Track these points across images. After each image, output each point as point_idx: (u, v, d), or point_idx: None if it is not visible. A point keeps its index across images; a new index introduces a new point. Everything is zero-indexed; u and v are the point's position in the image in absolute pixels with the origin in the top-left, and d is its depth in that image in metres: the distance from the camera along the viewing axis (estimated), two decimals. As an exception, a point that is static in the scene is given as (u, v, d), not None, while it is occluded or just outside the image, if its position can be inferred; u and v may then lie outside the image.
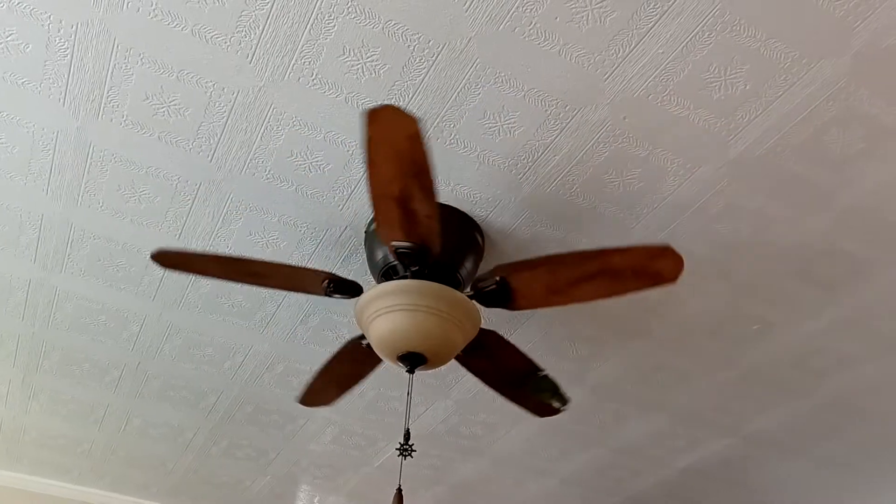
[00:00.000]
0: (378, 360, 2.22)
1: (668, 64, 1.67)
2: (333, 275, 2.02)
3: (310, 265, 2.28)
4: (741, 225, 2.07)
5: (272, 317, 2.51)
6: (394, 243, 1.86)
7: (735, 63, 1.66)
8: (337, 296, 2.04)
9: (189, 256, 2.03)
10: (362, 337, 2.14)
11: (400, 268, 2.01)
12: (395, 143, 1.59)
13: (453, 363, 2.70)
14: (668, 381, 2.71)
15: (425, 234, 1.82)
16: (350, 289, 2.04)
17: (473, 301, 2.01)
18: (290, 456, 3.34)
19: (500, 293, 1.99)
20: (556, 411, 2.37)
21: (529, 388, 2.26)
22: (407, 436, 1.94)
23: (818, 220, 2.04)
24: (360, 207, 2.08)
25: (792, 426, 2.92)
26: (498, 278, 1.96)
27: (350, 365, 2.27)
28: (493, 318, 2.44)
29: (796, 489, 3.39)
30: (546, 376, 2.24)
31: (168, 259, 1.99)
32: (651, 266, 1.86)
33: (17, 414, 3.14)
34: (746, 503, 3.55)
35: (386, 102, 1.68)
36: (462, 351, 2.12)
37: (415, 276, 1.97)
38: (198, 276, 2.07)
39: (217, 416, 3.07)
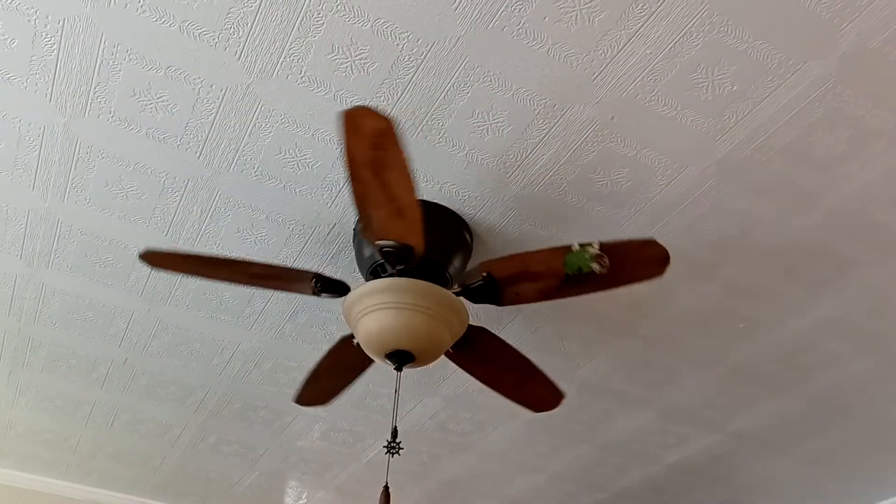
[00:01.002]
0: (371, 359, 2.23)
1: (655, 64, 1.68)
2: (320, 275, 2.02)
3: (298, 262, 2.28)
4: (728, 224, 2.08)
5: (260, 313, 2.51)
6: (378, 242, 1.86)
7: (722, 64, 1.67)
8: (325, 295, 2.04)
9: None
10: (353, 335, 2.14)
11: (388, 266, 2.01)
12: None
13: (442, 360, 2.70)
14: (656, 379, 2.73)
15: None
16: (337, 288, 2.04)
17: (461, 298, 2.02)
18: (279, 452, 3.34)
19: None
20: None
21: (568, 269, 2.05)
22: (394, 433, 1.94)
23: (804, 220, 2.06)
24: (348, 205, 2.08)
25: (778, 423, 2.95)
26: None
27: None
28: (482, 316, 2.45)
29: (782, 486, 3.42)
30: (581, 246, 1.98)
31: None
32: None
33: (4, 409, 3.12)
34: (733, 500, 3.58)
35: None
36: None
37: (402, 274, 1.98)
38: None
39: (205, 413, 3.07)
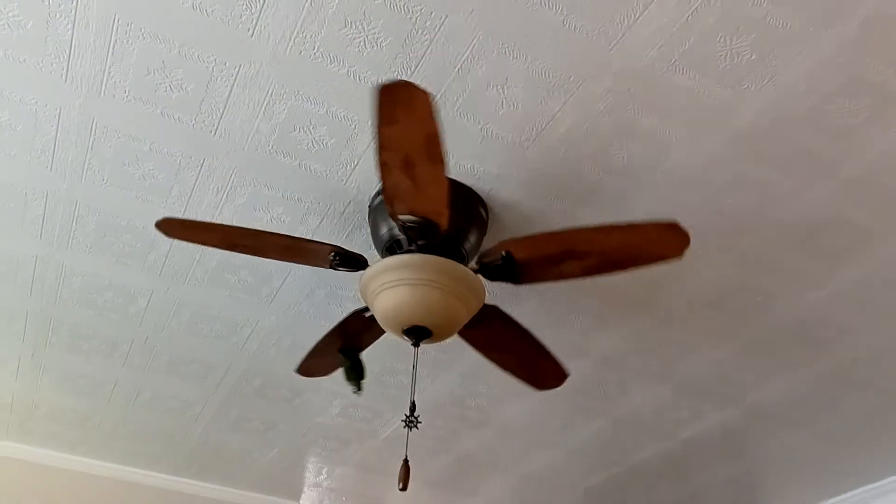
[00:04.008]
0: (379, 332, 2.24)
1: (672, 34, 1.65)
2: (339, 248, 2.02)
3: (315, 238, 2.28)
4: (745, 196, 2.06)
5: (278, 291, 2.53)
6: (402, 217, 1.86)
7: (740, 32, 1.64)
8: (342, 269, 2.05)
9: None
10: (365, 309, 2.15)
11: (404, 242, 2.01)
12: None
13: (457, 336, 2.71)
14: (671, 353, 2.73)
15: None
16: (355, 262, 2.05)
17: (478, 275, 2.02)
18: (298, 429, 3.38)
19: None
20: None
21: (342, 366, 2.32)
22: (412, 408, 1.96)
23: (822, 191, 2.04)
24: (363, 182, 2.08)
25: (793, 398, 2.94)
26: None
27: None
28: (498, 292, 2.45)
29: (797, 460, 3.42)
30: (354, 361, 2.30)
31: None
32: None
33: (28, 389, 3.18)
34: (747, 474, 3.58)
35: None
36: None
37: (419, 250, 1.98)
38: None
39: (225, 390, 3.11)
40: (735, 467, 3.53)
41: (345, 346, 2.28)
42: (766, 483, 3.67)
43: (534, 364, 2.33)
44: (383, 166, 1.73)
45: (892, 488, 3.56)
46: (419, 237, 1.90)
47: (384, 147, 1.67)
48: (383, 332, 2.22)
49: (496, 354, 2.28)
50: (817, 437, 3.20)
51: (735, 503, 3.92)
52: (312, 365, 2.45)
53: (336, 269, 2.04)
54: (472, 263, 2.07)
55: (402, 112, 1.58)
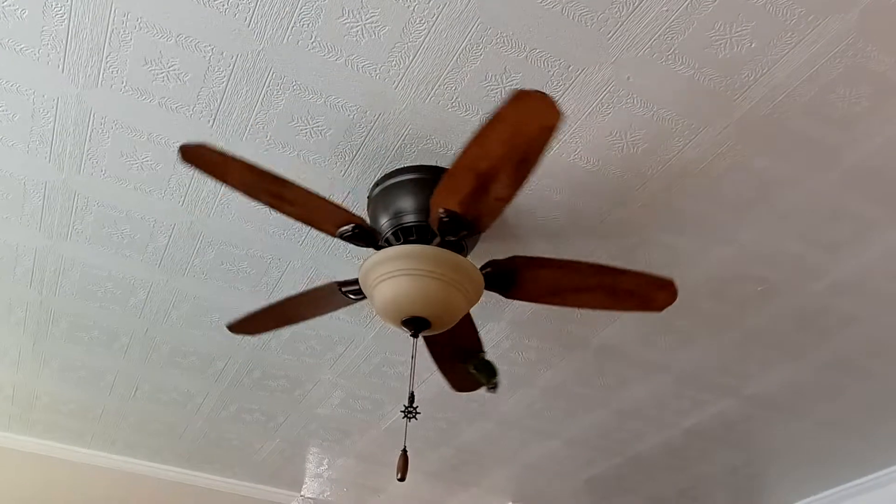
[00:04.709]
0: (336, 306, 2.19)
1: (672, 22, 1.64)
2: (339, 282, 2.06)
3: (313, 232, 2.28)
4: (746, 185, 2.06)
5: (277, 283, 2.53)
6: (337, 234, 1.91)
7: (741, 20, 1.63)
8: (354, 242, 1.97)
9: (218, 155, 1.77)
10: (344, 284, 2.12)
11: (401, 234, 2.01)
12: (524, 127, 1.58)
13: (458, 327, 2.71)
14: (671, 343, 2.73)
15: (485, 213, 1.83)
16: (370, 238, 1.98)
17: (469, 261, 2.01)
18: (299, 420, 3.38)
19: (506, 280, 2.05)
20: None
21: (467, 365, 2.33)
22: (411, 398, 1.96)
23: (823, 180, 2.03)
24: (362, 173, 2.08)
25: (794, 387, 2.94)
26: (514, 267, 2.01)
27: (311, 306, 2.20)
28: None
29: (798, 449, 3.42)
30: (485, 359, 2.31)
31: (195, 155, 1.76)
32: (649, 293, 2.03)
33: (30, 380, 3.19)
34: (748, 464, 3.59)
35: (538, 89, 1.62)
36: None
37: (418, 241, 1.98)
38: (220, 181, 1.84)
39: (226, 382, 3.11)
40: (736, 457, 3.53)
41: (467, 352, 2.29)
42: (767, 473, 3.68)
43: (622, 288, 2.06)
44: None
45: (894, 478, 3.56)
46: (361, 241, 1.95)
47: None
48: (336, 308, 2.19)
49: (571, 299, 2.10)
50: (818, 426, 3.20)
51: (736, 493, 3.93)
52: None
53: (343, 239, 1.95)
54: (469, 256, 2.06)
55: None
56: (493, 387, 2.32)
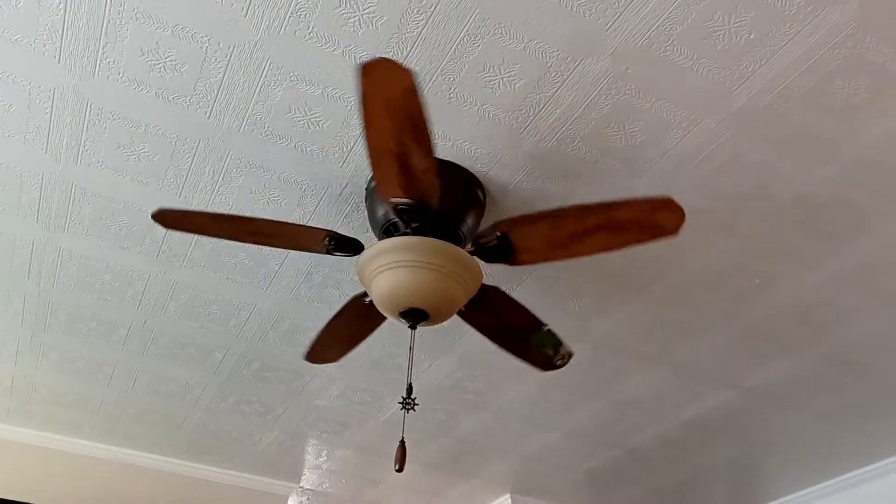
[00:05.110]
0: (381, 318, 2.24)
1: (671, 13, 1.64)
2: (334, 233, 2.02)
3: (311, 223, 2.28)
4: (744, 177, 2.05)
5: (275, 274, 2.53)
6: (393, 200, 1.85)
7: (739, 11, 1.63)
8: (338, 254, 2.05)
9: (189, 215, 2.03)
10: (365, 294, 2.15)
11: (401, 224, 2.01)
12: (390, 97, 1.57)
13: (457, 319, 2.71)
14: (670, 336, 2.73)
15: (424, 190, 1.81)
16: (351, 246, 2.04)
17: (475, 257, 2.01)
18: (298, 411, 3.39)
19: (502, 248, 1.99)
20: (558, 366, 2.39)
21: (532, 342, 2.29)
22: (409, 390, 1.96)
23: (822, 172, 2.02)
24: (360, 164, 2.07)
25: (793, 380, 2.94)
26: (499, 234, 1.96)
27: (354, 321, 2.29)
28: (497, 276, 2.45)
29: (796, 442, 3.43)
30: (549, 331, 2.26)
31: (169, 218, 1.99)
32: (652, 218, 1.85)
33: (28, 372, 3.19)
34: (747, 455, 3.60)
35: (380, 55, 1.65)
36: (465, 307, 2.13)
37: (416, 232, 1.97)
38: (199, 235, 2.08)
39: (224, 373, 3.11)
40: (734, 449, 3.54)
41: (529, 330, 2.25)
42: (765, 465, 3.69)
43: (622, 217, 2.02)
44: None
45: (892, 469, 3.57)
46: (412, 219, 1.90)
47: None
48: (384, 317, 2.21)
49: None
50: (817, 418, 3.21)
51: (735, 484, 3.94)
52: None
53: (332, 255, 2.04)
54: (469, 245, 2.06)
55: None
56: (562, 358, 2.28)
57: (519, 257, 2.01)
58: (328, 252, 2.04)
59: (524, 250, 1.98)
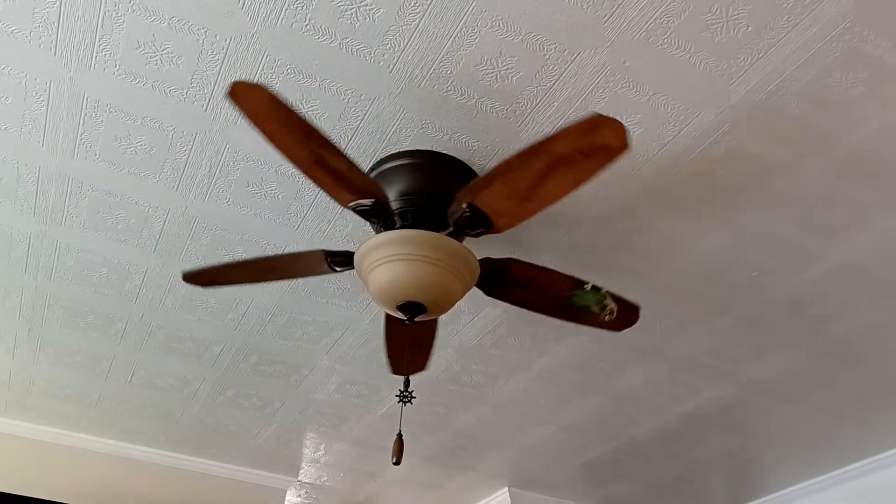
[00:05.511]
0: (317, 274, 2.19)
1: (668, 5, 1.63)
2: (327, 251, 2.06)
3: (309, 217, 2.28)
4: (742, 170, 2.05)
5: (273, 268, 2.52)
6: (350, 205, 1.87)
7: (737, 4, 1.62)
8: (343, 269, 2.08)
9: (216, 271, 2.14)
10: (332, 253, 2.11)
11: (398, 219, 2.01)
12: (266, 113, 1.61)
13: (454, 312, 2.71)
14: (667, 329, 2.73)
15: (363, 188, 1.82)
16: (348, 258, 2.07)
17: (466, 246, 2.00)
18: (296, 405, 3.39)
19: (475, 219, 1.91)
20: (608, 324, 2.21)
21: (574, 304, 2.15)
22: (406, 383, 1.97)
23: (819, 165, 2.02)
24: (357, 157, 2.07)
25: (790, 373, 2.95)
26: (465, 204, 1.88)
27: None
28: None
29: (793, 435, 3.44)
30: (592, 288, 2.13)
31: (201, 279, 2.15)
32: (593, 141, 1.68)
33: (26, 365, 3.19)
34: (744, 449, 3.61)
35: (234, 80, 1.67)
36: (491, 287, 2.11)
37: (414, 225, 1.97)
38: (228, 285, 2.22)
39: (222, 367, 3.12)
40: (731, 442, 3.55)
41: (570, 289, 2.13)
42: (763, 458, 3.70)
43: (563, 150, 1.86)
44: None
45: (890, 462, 3.59)
46: (375, 218, 1.92)
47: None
48: (324, 273, 2.16)
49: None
50: (814, 412, 3.22)
51: (732, 477, 3.95)
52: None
53: (336, 271, 2.08)
54: (449, 229, 1.99)
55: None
56: (610, 314, 2.15)
57: (496, 222, 1.91)
58: (332, 270, 2.07)
59: (497, 214, 1.89)
